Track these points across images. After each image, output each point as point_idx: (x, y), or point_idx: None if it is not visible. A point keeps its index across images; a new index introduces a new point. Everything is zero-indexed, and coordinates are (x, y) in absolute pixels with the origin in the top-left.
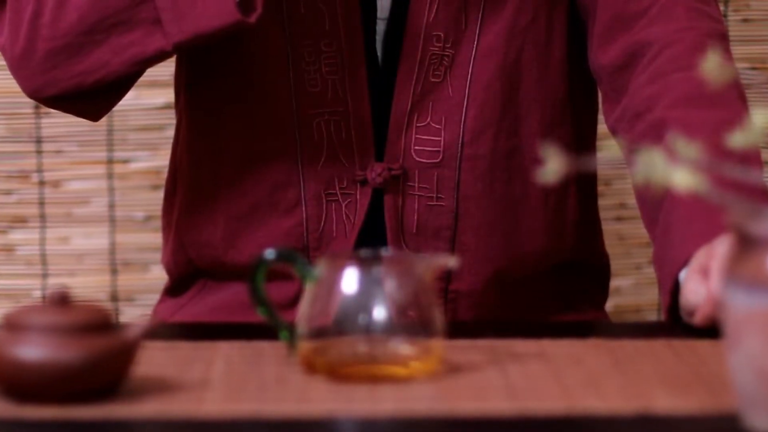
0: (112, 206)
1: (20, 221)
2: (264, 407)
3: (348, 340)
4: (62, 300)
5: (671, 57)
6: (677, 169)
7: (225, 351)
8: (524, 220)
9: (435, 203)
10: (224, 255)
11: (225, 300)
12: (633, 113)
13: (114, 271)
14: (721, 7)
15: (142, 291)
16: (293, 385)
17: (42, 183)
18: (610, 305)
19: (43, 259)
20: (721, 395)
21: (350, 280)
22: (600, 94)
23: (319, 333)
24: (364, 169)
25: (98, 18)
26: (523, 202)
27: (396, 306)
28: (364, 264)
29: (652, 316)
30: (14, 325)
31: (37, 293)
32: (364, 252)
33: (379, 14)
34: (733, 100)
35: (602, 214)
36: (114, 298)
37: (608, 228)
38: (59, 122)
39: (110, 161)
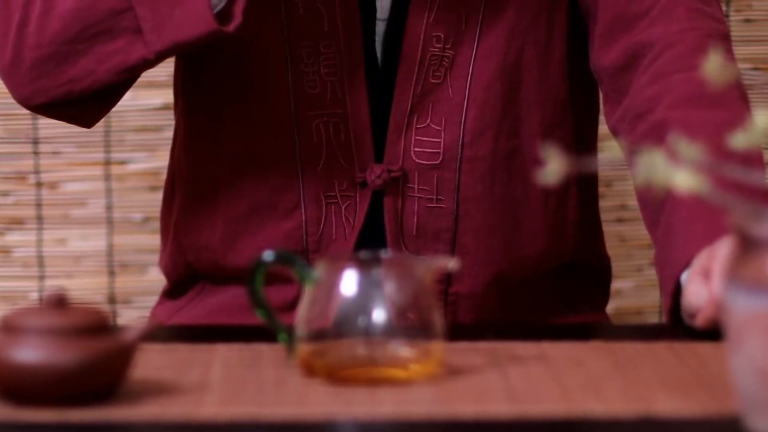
0: (109, 208)
1: (17, 223)
2: (263, 410)
3: (347, 342)
4: (59, 302)
5: (672, 58)
6: (679, 171)
7: (223, 353)
8: (525, 221)
9: (435, 205)
10: (223, 258)
11: (224, 302)
12: (634, 114)
13: (111, 273)
14: (723, 8)
15: (139, 293)
16: (292, 388)
17: (39, 184)
18: (611, 307)
19: (40, 260)
20: (722, 398)
21: (349, 283)
22: (601, 95)
23: (318, 335)
24: (364, 171)
25: (81, 27)
26: (523, 203)
27: (395, 308)
28: (363, 266)
29: (654, 319)
30: (11, 328)
31: (34, 295)
32: (364, 254)
33: (378, 15)
34: (734, 101)
35: (603, 216)
36: (112, 300)
37: (609, 229)
38: (56, 123)
39: (108, 162)
